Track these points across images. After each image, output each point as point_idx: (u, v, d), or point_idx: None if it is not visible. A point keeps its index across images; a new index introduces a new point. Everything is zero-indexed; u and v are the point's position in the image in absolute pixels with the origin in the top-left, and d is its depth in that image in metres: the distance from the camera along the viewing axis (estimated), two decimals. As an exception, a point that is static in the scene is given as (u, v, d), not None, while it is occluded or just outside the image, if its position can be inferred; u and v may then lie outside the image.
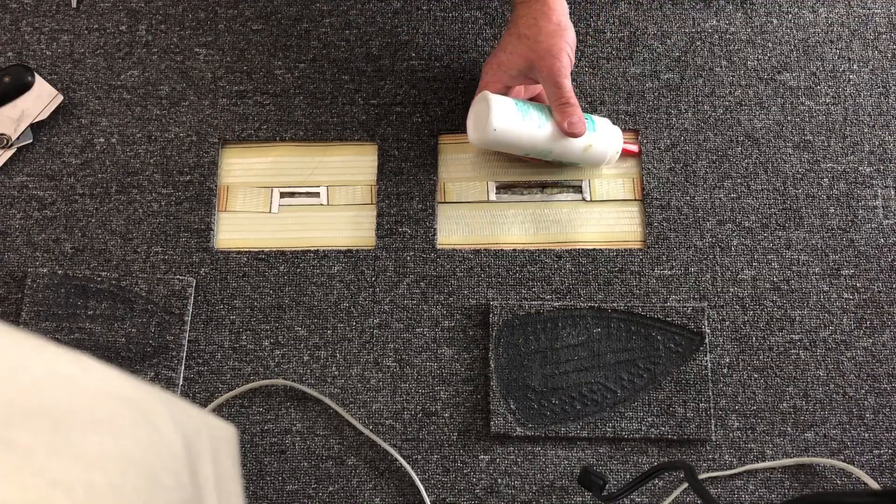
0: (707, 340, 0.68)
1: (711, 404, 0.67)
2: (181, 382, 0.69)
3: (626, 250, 0.71)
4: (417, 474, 0.66)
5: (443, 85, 0.76)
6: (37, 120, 0.75)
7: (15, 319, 0.71)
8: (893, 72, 0.76)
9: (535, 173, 0.74)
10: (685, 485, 0.65)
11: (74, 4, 0.80)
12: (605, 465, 0.66)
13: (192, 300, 0.71)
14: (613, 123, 0.72)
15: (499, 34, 0.78)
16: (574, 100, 0.65)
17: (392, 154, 0.75)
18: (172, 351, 0.69)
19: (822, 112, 0.75)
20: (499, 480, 0.66)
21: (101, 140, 0.76)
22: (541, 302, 0.70)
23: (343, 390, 0.69)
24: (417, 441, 0.67)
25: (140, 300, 0.71)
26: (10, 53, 0.78)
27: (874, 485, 0.64)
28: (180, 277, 0.71)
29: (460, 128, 0.75)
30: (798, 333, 0.69)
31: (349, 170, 0.75)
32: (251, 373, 0.70)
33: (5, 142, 0.74)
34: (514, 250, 0.72)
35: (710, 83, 0.76)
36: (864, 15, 0.77)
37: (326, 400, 0.68)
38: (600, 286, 0.70)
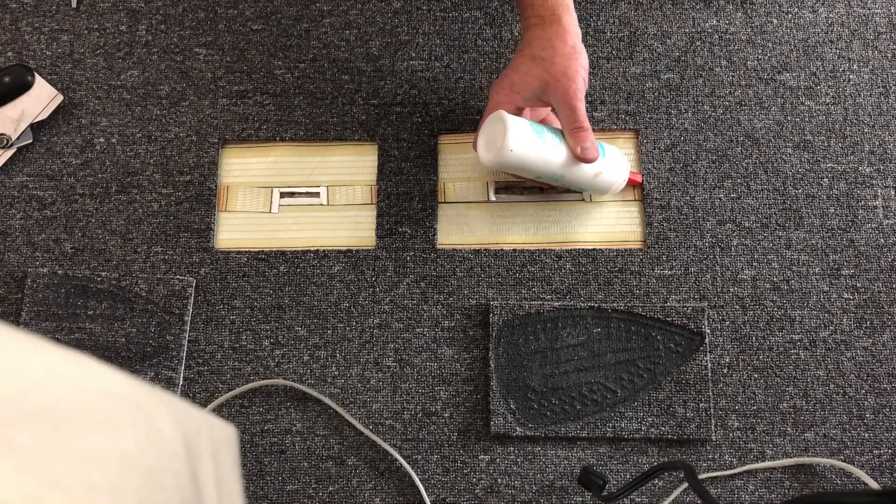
0: (707, 340, 0.68)
1: (711, 404, 0.67)
2: (181, 382, 0.69)
3: (626, 250, 0.71)
4: (417, 474, 0.66)
5: (443, 85, 0.76)
6: (37, 120, 0.75)
7: (15, 319, 0.71)
8: (893, 72, 0.76)
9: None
10: (685, 485, 0.65)
11: (74, 4, 0.80)
12: (605, 465, 0.66)
13: (192, 300, 0.71)
14: (614, 123, 0.72)
15: (499, 34, 0.78)
16: (588, 124, 0.64)
17: (392, 154, 0.75)
18: (172, 351, 0.69)
19: (822, 112, 0.75)
20: (499, 480, 0.66)
21: (101, 140, 0.76)
22: (541, 302, 0.70)
23: (343, 390, 0.69)
24: (417, 441, 0.67)
25: (140, 300, 0.71)
26: (10, 53, 0.78)
27: (874, 485, 0.64)
28: (180, 277, 0.71)
29: (460, 128, 0.75)
30: (798, 333, 0.69)
31: (349, 170, 0.75)
32: (251, 373, 0.70)
33: (5, 142, 0.74)
34: (514, 250, 0.72)
35: (710, 83, 0.76)
36: (864, 15, 0.77)
37: (326, 400, 0.68)
38: (600, 286, 0.70)
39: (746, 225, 0.72)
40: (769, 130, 0.74)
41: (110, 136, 0.76)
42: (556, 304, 0.69)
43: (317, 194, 0.75)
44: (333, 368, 0.69)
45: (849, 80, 0.75)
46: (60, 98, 0.75)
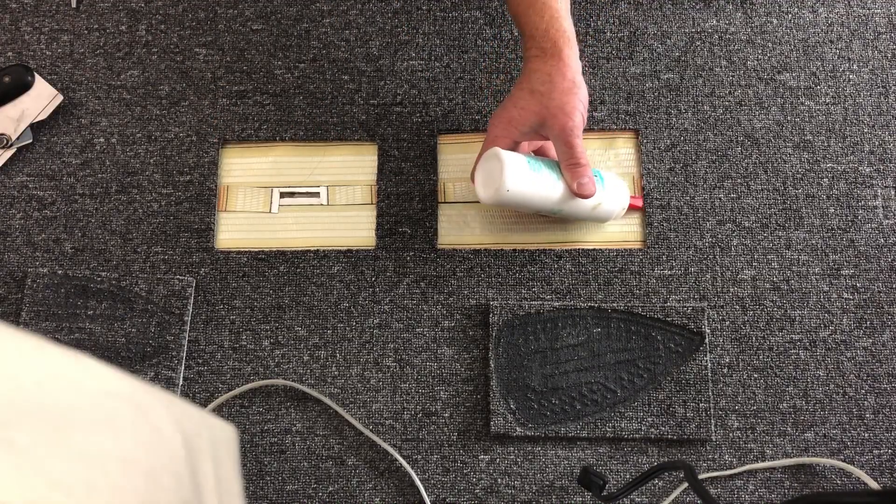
0: (707, 340, 0.68)
1: (711, 404, 0.67)
2: (181, 382, 0.69)
3: (626, 250, 0.71)
4: (417, 474, 0.66)
5: (443, 85, 0.76)
6: (37, 120, 0.75)
7: (15, 319, 0.71)
8: (893, 72, 0.76)
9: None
10: (685, 485, 0.65)
11: (74, 4, 0.80)
12: (605, 465, 0.66)
13: (192, 300, 0.71)
14: (614, 123, 0.72)
15: (499, 34, 0.78)
16: (585, 160, 0.63)
17: (392, 154, 0.75)
18: (172, 351, 0.69)
19: (822, 112, 0.75)
20: (499, 480, 0.66)
21: (101, 140, 0.76)
22: (541, 302, 0.70)
23: (343, 390, 0.69)
24: (417, 441, 0.67)
25: (140, 300, 0.71)
26: (10, 53, 0.78)
27: (874, 485, 0.64)
28: (180, 277, 0.71)
29: (460, 128, 0.75)
30: (798, 333, 0.69)
31: (349, 170, 0.75)
32: (251, 373, 0.70)
33: (5, 142, 0.74)
34: (514, 250, 0.72)
35: (710, 83, 0.76)
36: (864, 15, 0.77)
37: (326, 400, 0.68)
38: (600, 286, 0.70)
39: (746, 225, 0.72)
40: (769, 130, 0.74)
41: (110, 136, 0.76)
42: (556, 304, 0.69)
43: (317, 194, 0.75)
44: (333, 368, 0.69)
45: (849, 80, 0.75)
46: (60, 98, 0.75)
